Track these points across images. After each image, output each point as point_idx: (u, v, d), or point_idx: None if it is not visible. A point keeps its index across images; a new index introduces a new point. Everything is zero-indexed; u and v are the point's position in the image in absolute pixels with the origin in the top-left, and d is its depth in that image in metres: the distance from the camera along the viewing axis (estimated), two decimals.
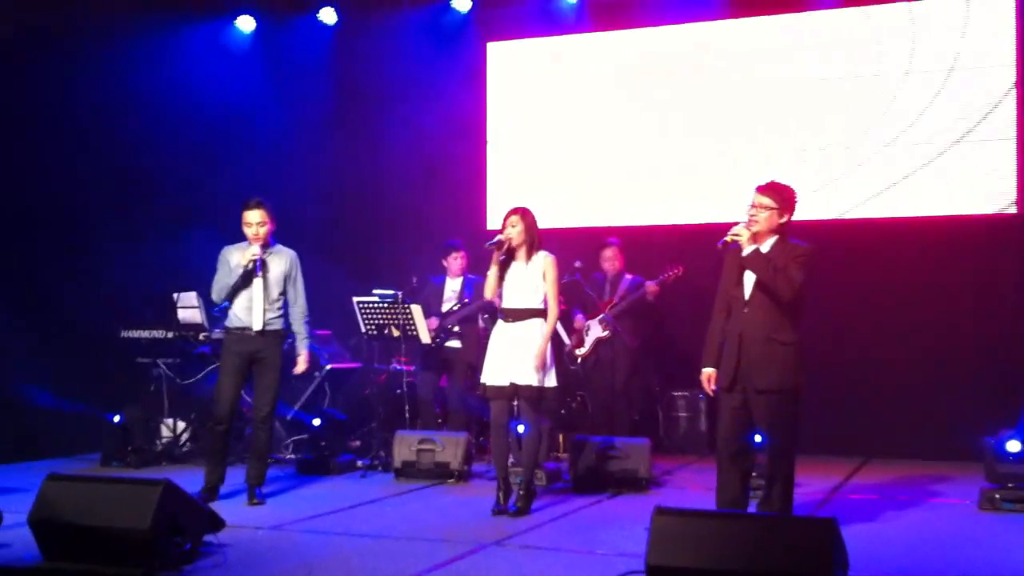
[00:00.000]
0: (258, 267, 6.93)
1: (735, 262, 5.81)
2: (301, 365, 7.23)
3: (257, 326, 6.96)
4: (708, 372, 5.86)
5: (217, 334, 8.35)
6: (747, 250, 5.70)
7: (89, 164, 9.41)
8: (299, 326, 7.19)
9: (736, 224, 5.80)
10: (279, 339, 7.09)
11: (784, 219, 5.74)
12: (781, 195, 5.76)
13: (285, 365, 7.16)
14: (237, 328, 7.01)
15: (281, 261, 7.09)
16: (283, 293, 7.09)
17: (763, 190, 5.79)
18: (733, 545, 4.26)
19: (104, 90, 9.51)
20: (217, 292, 7.06)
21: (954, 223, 9.20)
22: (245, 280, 6.96)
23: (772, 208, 5.72)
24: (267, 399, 7.03)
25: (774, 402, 5.63)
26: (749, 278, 5.74)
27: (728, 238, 5.76)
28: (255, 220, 6.95)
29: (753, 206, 5.77)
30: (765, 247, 5.73)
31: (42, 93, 9.18)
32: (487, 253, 6.76)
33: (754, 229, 5.73)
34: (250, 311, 6.97)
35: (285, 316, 7.14)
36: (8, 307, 8.55)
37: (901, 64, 9.44)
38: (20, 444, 8.60)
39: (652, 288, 8.86)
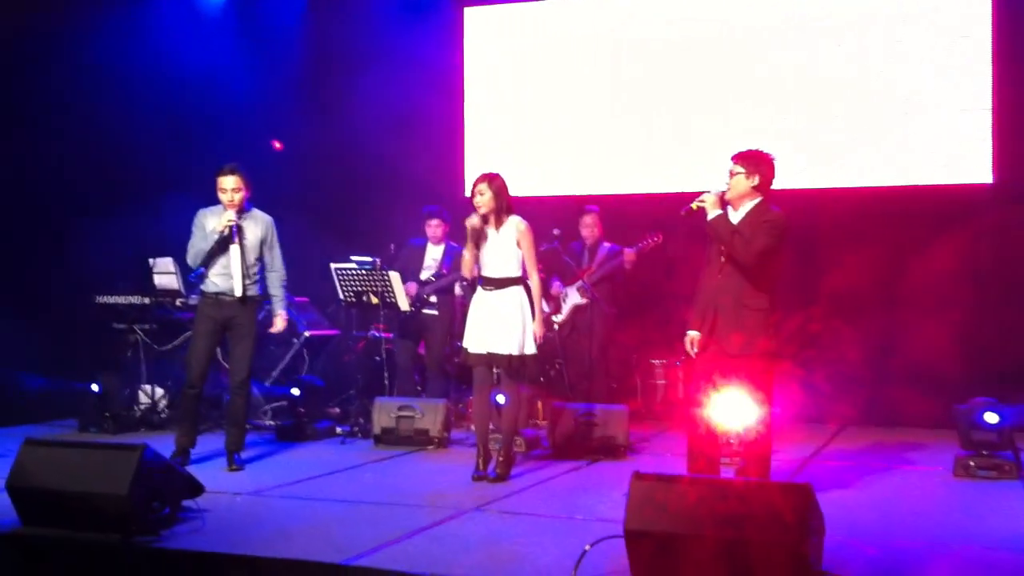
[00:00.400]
0: (234, 233, 6.90)
1: None
2: (279, 324, 7.23)
3: (238, 292, 6.94)
4: (692, 335, 5.89)
5: (194, 300, 8.32)
6: (711, 214, 5.76)
7: (62, 133, 9.32)
8: (276, 289, 7.18)
9: (706, 192, 5.85)
10: (255, 305, 7.09)
11: (755, 181, 5.77)
12: (751, 159, 5.81)
13: (260, 331, 7.15)
14: (214, 293, 6.99)
15: (257, 226, 7.06)
16: (259, 258, 7.07)
17: (735, 156, 5.86)
18: (710, 510, 4.28)
19: (75, 59, 9.40)
20: (193, 257, 7.03)
21: (932, 192, 9.24)
22: (221, 246, 6.93)
23: (740, 172, 5.77)
24: (243, 365, 7.02)
25: (745, 366, 5.67)
26: None
27: (693, 205, 5.84)
28: (230, 186, 6.90)
29: (728, 173, 5.84)
30: (739, 213, 5.77)
31: (13, 63, 9.08)
32: (465, 222, 6.74)
33: (729, 196, 5.79)
34: (228, 277, 6.95)
35: (261, 282, 7.13)
36: None
37: (883, 34, 9.45)
38: None
39: (630, 256, 8.85)
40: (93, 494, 4.93)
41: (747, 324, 5.67)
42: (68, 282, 9.00)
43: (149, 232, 8.94)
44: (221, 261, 6.95)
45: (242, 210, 6.97)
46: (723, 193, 5.82)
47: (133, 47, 9.88)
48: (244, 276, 6.94)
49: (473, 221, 6.65)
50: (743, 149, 5.89)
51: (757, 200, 5.79)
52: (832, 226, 9.32)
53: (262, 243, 7.06)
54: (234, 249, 6.92)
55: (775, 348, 5.74)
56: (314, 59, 11.12)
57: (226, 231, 6.87)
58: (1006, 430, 6.70)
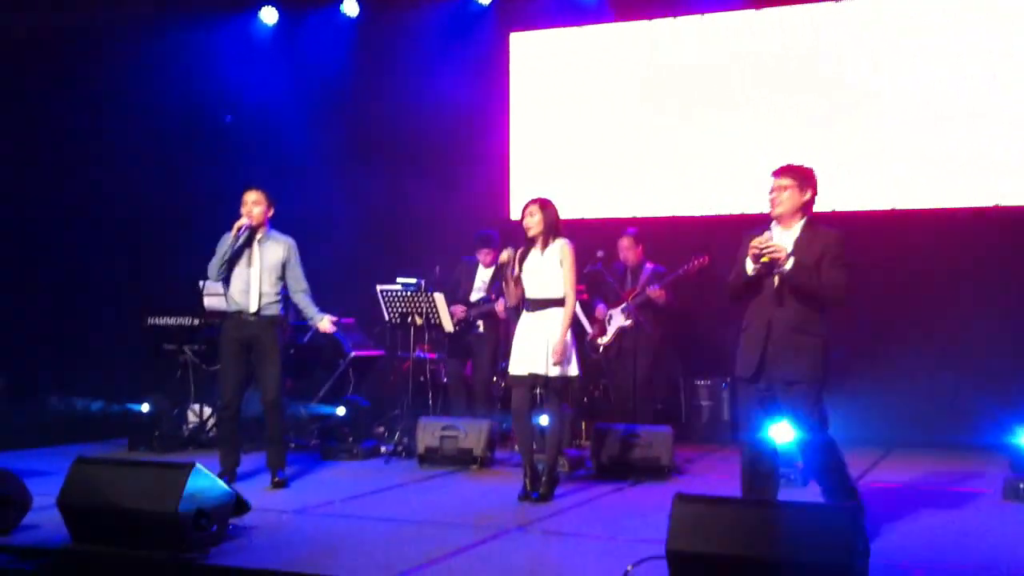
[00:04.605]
0: (242, 231, 6.98)
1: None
2: (326, 324, 7.28)
3: (253, 307, 7.02)
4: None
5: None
6: (788, 264, 5.34)
7: (117, 155, 9.50)
8: (306, 304, 7.24)
9: (766, 244, 5.34)
10: (274, 324, 7.13)
11: (807, 195, 5.51)
12: (798, 172, 5.54)
13: (283, 349, 7.21)
14: (234, 312, 7.09)
15: (278, 248, 7.14)
16: (281, 279, 7.16)
17: (779, 172, 5.58)
18: (753, 532, 4.27)
19: (133, 82, 9.62)
20: (212, 268, 7.10)
21: (979, 214, 9.17)
22: (237, 253, 7.03)
23: (791, 186, 5.49)
24: (271, 385, 7.09)
25: (802, 393, 5.40)
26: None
27: (764, 258, 5.35)
28: (250, 199, 7.07)
29: (773, 190, 5.56)
30: (793, 232, 5.47)
31: (73, 85, 9.32)
32: (514, 244, 6.80)
33: (778, 211, 5.50)
34: (247, 293, 7.04)
35: (283, 302, 7.21)
36: (37, 295, 8.66)
37: (940, 56, 9.40)
38: (48, 429, 8.71)
39: (657, 293, 8.80)
40: (143, 512, 4.99)
41: (806, 351, 5.39)
42: (121, 302, 9.15)
43: (200, 253, 9.08)
44: (241, 277, 7.05)
45: (261, 226, 7.08)
46: (772, 208, 5.57)
47: (187, 71, 10.11)
48: (262, 294, 7.03)
49: (504, 257, 6.77)
50: (783, 164, 5.67)
51: (804, 219, 5.53)
52: (879, 249, 9.23)
53: (284, 265, 7.15)
54: (255, 264, 7.01)
55: (827, 377, 5.50)
56: (362, 84, 11.26)
57: (235, 231, 6.97)
58: None
